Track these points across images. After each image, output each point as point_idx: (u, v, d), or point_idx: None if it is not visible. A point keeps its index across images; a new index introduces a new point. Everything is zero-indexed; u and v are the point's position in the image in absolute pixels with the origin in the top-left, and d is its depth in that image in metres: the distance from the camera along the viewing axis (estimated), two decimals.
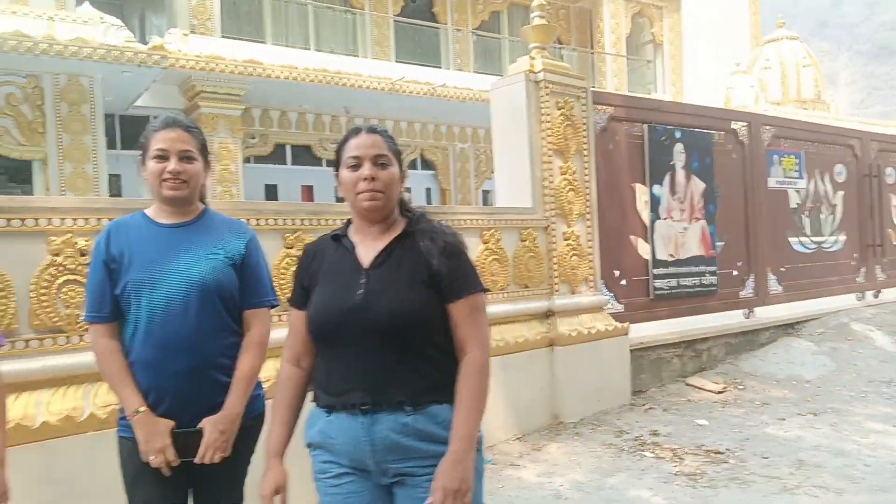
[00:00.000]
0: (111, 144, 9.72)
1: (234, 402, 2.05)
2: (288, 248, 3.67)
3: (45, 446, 2.72)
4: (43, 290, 2.82)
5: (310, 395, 1.88)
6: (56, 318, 2.86)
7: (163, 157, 2.05)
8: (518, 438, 4.83)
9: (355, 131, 1.83)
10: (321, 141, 12.56)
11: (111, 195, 9.09)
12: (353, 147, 1.79)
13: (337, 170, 1.85)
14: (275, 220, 3.60)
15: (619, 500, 3.82)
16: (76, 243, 2.89)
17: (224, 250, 2.11)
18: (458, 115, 13.26)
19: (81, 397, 2.87)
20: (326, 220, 3.84)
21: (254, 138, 11.77)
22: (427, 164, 14.17)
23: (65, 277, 2.87)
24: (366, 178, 1.75)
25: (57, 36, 7.37)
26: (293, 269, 3.56)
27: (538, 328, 5.13)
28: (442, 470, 1.63)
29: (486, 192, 14.52)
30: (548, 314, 5.24)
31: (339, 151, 1.85)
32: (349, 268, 1.79)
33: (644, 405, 5.63)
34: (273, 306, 2.22)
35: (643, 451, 4.64)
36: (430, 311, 1.73)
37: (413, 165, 13.76)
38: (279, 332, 3.51)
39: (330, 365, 1.78)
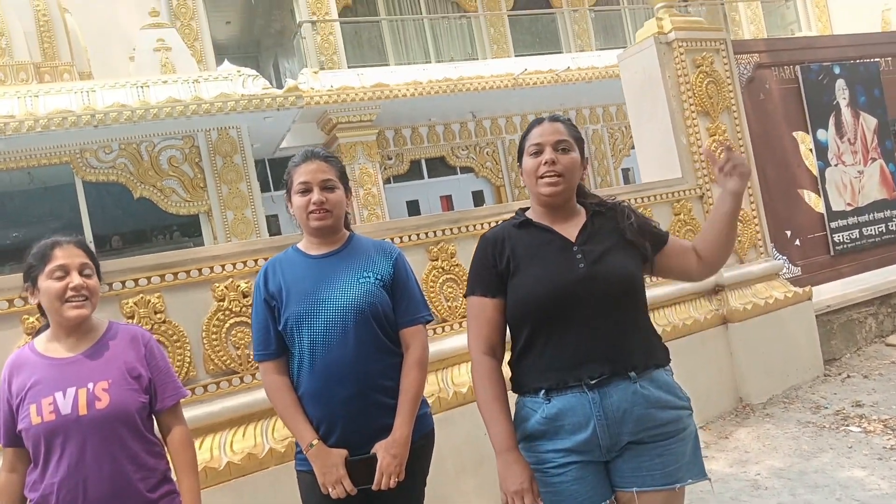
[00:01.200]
0: (265, 187, 10.39)
1: (402, 424, 2.05)
2: (433, 260, 3.67)
3: (231, 486, 2.85)
4: (214, 336, 2.99)
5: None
6: (228, 361, 3.02)
7: (306, 189, 2.09)
8: (701, 428, 4.49)
9: (538, 121, 1.89)
10: (453, 149, 12.68)
11: (271, 234, 9.74)
12: (536, 135, 1.85)
13: (520, 161, 1.92)
14: (417, 234, 3.61)
15: (828, 485, 3.44)
16: (238, 286, 3.05)
17: (374, 272, 2.13)
18: (586, 97, 12.86)
19: (260, 434, 3.00)
20: (466, 226, 3.80)
21: (390, 159, 12.10)
22: None
23: (232, 320, 3.03)
24: (546, 162, 1.81)
25: (203, 95, 7.99)
26: (442, 279, 3.64)
27: (707, 306, 4.76)
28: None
29: (625, 171, 13.94)
30: (716, 289, 4.85)
31: (522, 142, 1.91)
32: (557, 246, 1.83)
33: (840, 374, 5.07)
34: (428, 321, 2.20)
35: (847, 425, 4.17)
36: (641, 277, 1.83)
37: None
38: (435, 346, 3.58)
39: (552, 344, 1.79)
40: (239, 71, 8.59)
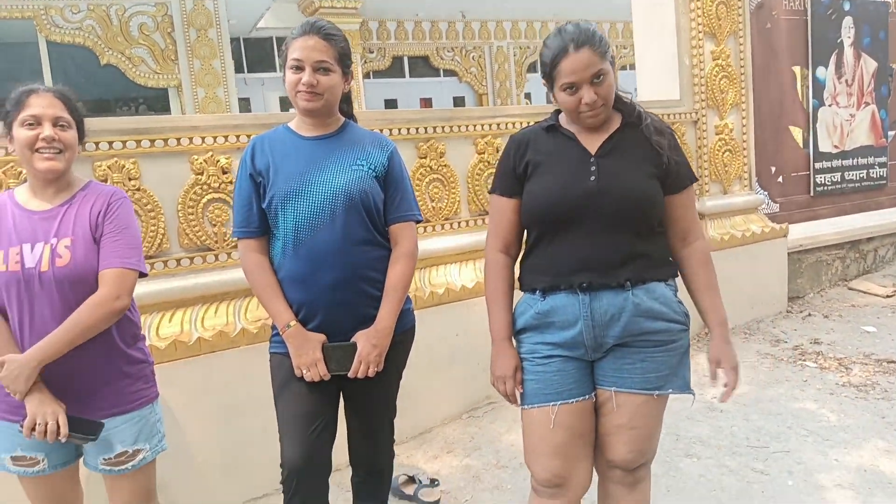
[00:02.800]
0: (238, 68, 9.94)
1: (386, 315, 2.01)
2: (421, 157, 3.54)
3: (201, 361, 2.81)
4: (190, 210, 2.86)
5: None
6: (203, 237, 2.90)
7: (298, 67, 1.94)
8: None
9: (564, 50, 1.75)
10: (438, 50, 12.26)
11: None
12: (568, 72, 1.75)
13: (549, 84, 1.84)
14: (407, 129, 3.46)
15: (781, 413, 3.56)
16: (218, 161, 2.89)
17: (367, 162, 2.04)
18: (581, 9, 12.42)
19: (232, 313, 2.93)
20: (458, 125, 3.65)
21: (371, 52, 11.65)
22: None
23: (210, 196, 2.89)
24: (588, 103, 1.75)
25: None
26: (429, 178, 3.53)
27: None
28: (716, 347, 1.86)
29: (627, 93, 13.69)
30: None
31: (550, 70, 1.80)
32: (575, 155, 1.83)
33: (802, 312, 5.20)
34: (418, 221, 2.14)
35: (804, 360, 4.30)
36: (657, 197, 1.81)
37: (533, 68, 13.18)
38: (439, 243, 3.51)
39: (553, 249, 1.83)
40: None
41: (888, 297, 5.42)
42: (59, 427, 1.75)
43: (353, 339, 1.98)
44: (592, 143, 1.83)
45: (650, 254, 1.82)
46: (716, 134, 4.85)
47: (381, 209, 2.06)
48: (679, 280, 1.92)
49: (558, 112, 1.92)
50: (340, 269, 1.97)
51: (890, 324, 4.87)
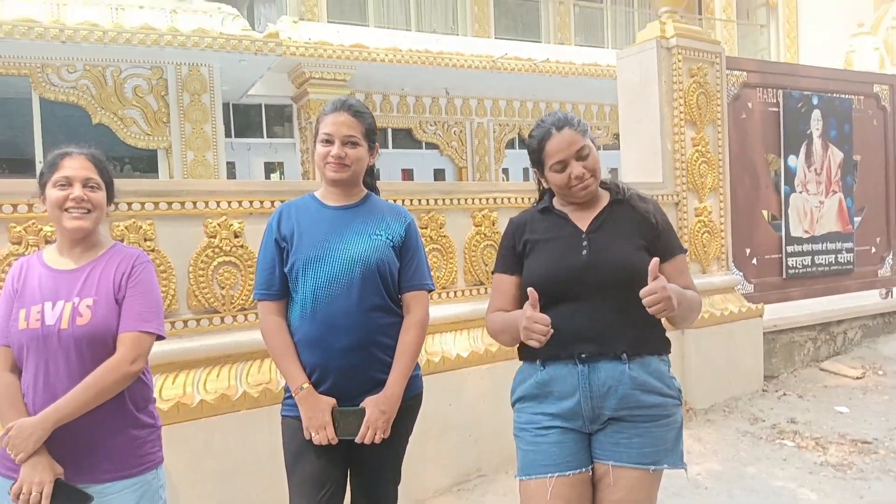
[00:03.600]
0: (226, 133, 10.09)
1: (395, 382, 2.07)
2: (423, 227, 3.66)
3: (203, 423, 2.83)
4: (200, 272, 2.93)
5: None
6: (212, 299, 2.96)
7: (329, 140, 2.08)
8: None
9: (548, 134, 1.93)
10: (421, 123, 12.60)
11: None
12: (555, 151, 1.91)
13: (538, 168, 2.00)
14: (410, 200, 3.59)
15: (762, 491, 3.63)
16: (231, 225, 2.98)
17: (386, 232, 2.14)
18: (561, 92, 12.97)
19: (234, 376, 2.97)
20: (458, 199, 3.80)
21: None
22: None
23: (220, 259, 2.97)
24: (577, 177, 1.90)
25: (179, 27, 7.68)
26: (428, 248, 3.62)
27: None
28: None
29: (613, 170, 14.13)
30: None
31: (538, 153, 1.96)
32: (568, 232, 1.95)
33: (777, 391, 5.33)
34: (431, 290, 2.23)
35: (782, 439, 4.39)
36: (646, 269, 1.79)
37: (512, 145, 13.59)
38: (436, 312, 3.57)
39: (552, 320, 1.83)
40: (219, 7, 8.29)
41: (858, 378, 5.59)
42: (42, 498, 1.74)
43: (362, 405, 2.03)
44: (583, 221, 1.96)
45: (645, 327, 1.88)
46: (696, 216, 5.08)
47: (396, 277, 2.15)
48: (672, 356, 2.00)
49: (552, 196, 2.06)
50: (354, 334, 2.04)
51: (861, 404, 5.01)
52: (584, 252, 1.89)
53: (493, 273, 2.10)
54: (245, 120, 11.40)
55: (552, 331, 1.76)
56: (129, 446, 1.90)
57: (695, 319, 1.97)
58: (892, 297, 6.73)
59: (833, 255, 6.17)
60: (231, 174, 10.54)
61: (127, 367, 1.84)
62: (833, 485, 3.68)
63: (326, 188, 2.19)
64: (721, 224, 5.25)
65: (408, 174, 12.70)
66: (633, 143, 5.17)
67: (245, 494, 2.86)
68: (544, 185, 2.04)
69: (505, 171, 13.67)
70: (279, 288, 2.11)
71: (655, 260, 1.76)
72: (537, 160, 1.98)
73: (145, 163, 8.97)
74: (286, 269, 2.10)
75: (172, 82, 8.42)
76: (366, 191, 2.25)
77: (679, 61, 4.94)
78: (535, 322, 1.76)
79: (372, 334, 2.07)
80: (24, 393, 1.84)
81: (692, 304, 1.89)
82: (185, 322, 2.89)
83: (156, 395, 2.69)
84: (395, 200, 3.48)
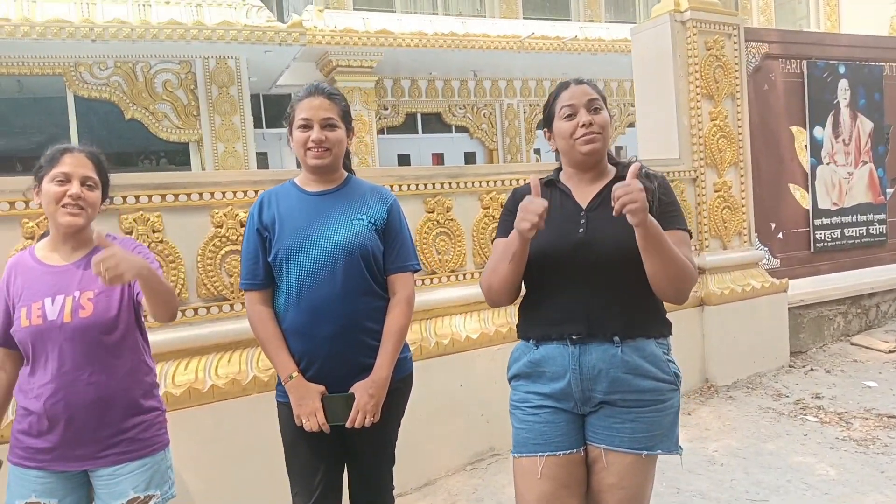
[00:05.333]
0: (257, 124, 10.26)
1: (383, 365, 2.07)
2: (429, 212, 3.70)
3: (213, 408, 2.92)
4: (209, 261, 3.02)
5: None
6: (221, 287, 3.05)
7: (307, 126, 2.08)
8: None
9: (564, 85, 1.94)
10: (450, 107, 12.58)
11: None
12: (567, 98, 1.90)
13: (548, 126, 1.97)
14: (416, 185, 3.63)
15: (779, 467, 3.60)
16: (237, 215, 3.06)
17: (367, 215, 2.13)
18: (589, 70, 12.77)
19: (245, 361, 3.06)
20: (465, 182, 3.83)
21: (386, 109, 11.98)
22: None
23: (227, 248, 3.05)
24: (584, 125, 1.86)
25: (205, 21, 7.83)
26: (436, 231, 3.68)
27: None
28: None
29: (617, 150, 13.93)
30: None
31: (551, 106, 1.95)
32: (568, 209, 1.90)
33: (804, 367, 5.25)
34: (416, 270, 2.22)
35: (805, 415, 4.34)
36: None
37: (540, 126, 13.48)
38: (422, 297, 3.63)
39: (545, 299, 1.88)
40: (244, 0, 8.41)
41: (890, 352, 5.46)
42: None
43: (350, 390, 2.05)
44: (585, 197, 1.91)
45: (640, 309, 1.84)
46: (714, 191, 5.00)
47: (381, 261, 2.15)
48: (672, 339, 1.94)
49: (559, 170, 2.03)
50: (339, 320, 2.05)
51: (891, 378, 4.90)
52: (581, 230, 1.84)
53: (492, 241, 2.05)
54: (276, 110, 11.54)
55: (545, 208, 1.69)
56: (137, 429, 1.97)
57: (685, 288, 1.79)
58: None
59: (864, 227, 6.00)
60: (263, 164, 10.71)
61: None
62: (854, 459, 3.63)
63: (306, 174, 2.19)
64: (742, 199, 5.16)
65: (438, 158, 12.72)
66: (649, 119, 5.11)
67: (254, 477, 2.95)
68: (552, 146, 1.99)
69: (537, 151, 13.57)
70: (263, 277, 2.12)
71: (637, 164, 1.70)
72: (549, 115, 1.96)
73: (180, 156, 9.18)
74: (270, 259, 2.11)
75: (200, 76, 8.59)
76: (346, 174, 2.24)
77: (694, 34, 4.85)
78: (531, 203, 1.71)
79: (357, 320, 2.08)
80: (33, 385, 1.91)
81: (675, 258, 1.74)
82: (196, 310, 2.98)
83: (168, 380, 2.83)
84: (400, 185, 3.55)
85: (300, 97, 2.13)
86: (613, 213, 1.64)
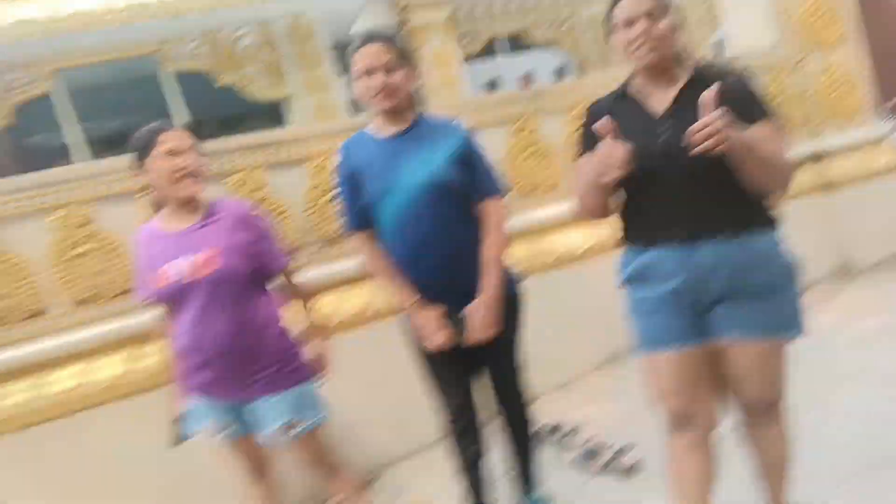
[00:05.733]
0: (343, 72, 10.33)
1: (489, 284, 2.17)
2: (519, 131, 3.69)
3: (342, 339, 3.04)
4: (311, 209, 3.20)
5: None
6: (330, 231, 3.23)
7: (368, 72, 2.10)
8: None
9: None
10: (531, 24, 12.16)
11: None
12: (623, 8, 1.82)
13: (609, 36, 1.90)
14: (498, 111, 3.60)
15: None
16: (328, 165, 3.18)
17: (443, 150, 2.16)
18: None
19: (368, 294, 3.26)
20: (550, 102, 3.75)
21: (465, 38, 11.75)
22: None
23: (327, 197, 3.21)
24: (639, 36, 1.79)
25: None
26: (522, 156, 3.64)
27: (806, 173, 4.56)
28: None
29: (718, 44, 13.03)
30: (815, 157, 4.64)
31: (609, 17, 1.87)
32: (642, 120, 1.86)
33: None
34: (502, 193, 2.25)
35: None
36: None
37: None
38: (524, 216, 3.65)
39: (645, 205, 1.87)
40: None
41: None
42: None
43: (463, 313, 2.17)
44: (663, 102, 1.85)
45: (743, 205, 1.81)
46: (823, 72, 4.62)
47: (466, 190, 2.19)
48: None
49: (628, 80, 1.95)
50: (441, 251, 2.16)
51: None
52: (661, 140, 1.80)
53: (574, 161, 2.02)
54: None
55: (624, 159, 1.71)
56: (279, 365, 2.17)
57: (784, 181, 1.79)
58: None
59: None
60: (354, 110, 10.83)
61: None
62: None
63: (378, 121, 2.23)
64: (857, 76, 4.72)
65: (526, 79, 12.43)
66: (741, 7, 4.72)
67: (404, 389, 3.02)
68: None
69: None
70: (363, 218, 2.23)
71: (710, 91, 1.64)
72: (608, 22, 1.88)
73: (274, 114, 9.46)
74: (363, 203, 2.21)
75: (280, 34, 8.74)
76: (417, 113, 2.26)
77: None
78: (609, 155, 1.72)
79: (458, 248, 2.18)
80: (181, 333, 2.14)
81: (769, 159, 1.72)
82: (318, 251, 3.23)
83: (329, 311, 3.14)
84: (482, 114, 3.52)
85: (356, 47, 2.15)
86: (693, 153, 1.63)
